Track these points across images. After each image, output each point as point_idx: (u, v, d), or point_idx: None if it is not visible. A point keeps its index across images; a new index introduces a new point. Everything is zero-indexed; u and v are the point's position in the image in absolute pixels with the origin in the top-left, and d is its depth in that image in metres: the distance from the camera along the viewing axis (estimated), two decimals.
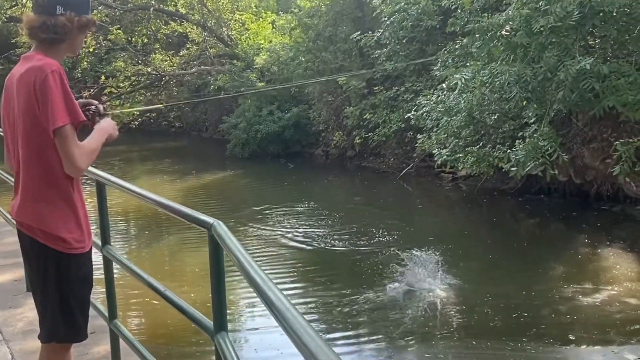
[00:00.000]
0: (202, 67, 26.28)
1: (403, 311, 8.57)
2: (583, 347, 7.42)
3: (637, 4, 8.60)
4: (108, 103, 22.57)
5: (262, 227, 13.01)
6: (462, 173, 16.05)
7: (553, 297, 8.64)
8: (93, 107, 3.31)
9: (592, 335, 7.62)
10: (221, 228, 2.50)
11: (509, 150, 10.36)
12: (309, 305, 8.86)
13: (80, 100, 3.23)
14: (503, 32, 10.29)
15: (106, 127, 3.20)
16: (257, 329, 7.98)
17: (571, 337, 7.63)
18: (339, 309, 8.62)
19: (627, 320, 7.89)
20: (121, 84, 25.97)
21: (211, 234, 2.55)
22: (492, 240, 12.11)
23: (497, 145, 13.02)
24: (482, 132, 14.11)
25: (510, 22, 10.13)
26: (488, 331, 7.87)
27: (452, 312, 8.49)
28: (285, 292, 1.78)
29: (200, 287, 8.84)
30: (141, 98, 26.90)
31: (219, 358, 2.48)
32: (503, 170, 12.63)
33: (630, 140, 10.71)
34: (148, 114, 27.24)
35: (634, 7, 8.72)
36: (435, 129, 14.17)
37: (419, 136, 15.60)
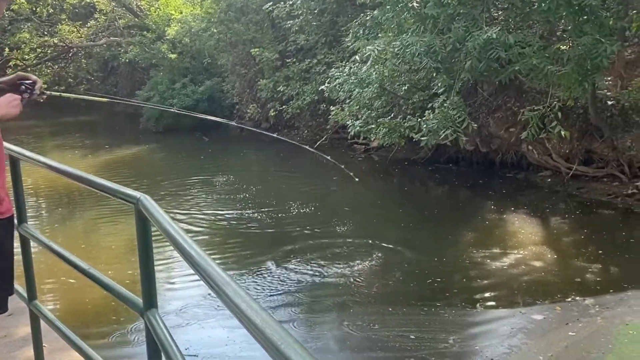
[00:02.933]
0: (112, 38, 25.59)
1: (321, 282, 8.76)
2: (492, 309, 7.83)
3: None
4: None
5: (180, 202, 12.96)
6: (374, 144, 16.40)
7: (464, 262, 9.08)
8: (28, 82, 3.13)
9: (501, 298, 8.06)
10: (148, 202, 2.42)
11: (420, 120, 10.69)
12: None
13: (19, 73, 3.14)
14: (414, 4, 10.54)
15: None
16: (187, 304, 7.98)
17: (481, 300, 8.04)
18: (258, 281, 8.74)
19: (533, 282, 8.40)
20: (26, 56, 25.01)
21: (138, 209, 2.46)
22: (405, 209, 12.51)
23: (408, 116, 13.38)
24: (393, 103, 14.47)
25: None
26: (403, 297, 8.20)
27: (369, 281, 8.78)
28: None
29: (125, 264, 8.74)
30: (48, 71, 26.01)
31: (149, 336, 2.41)
32: (414, 140, 13.02)
33: (536, 107, 11.24)
34: (56, 87, 26.36)
35: None
36: (348, 101, 14.39)
37: (332, 108, 15.81)
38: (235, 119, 22.36)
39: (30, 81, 3.15)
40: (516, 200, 12.17)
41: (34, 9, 25.96)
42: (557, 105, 10.75)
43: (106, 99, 5.27)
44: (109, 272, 8.45)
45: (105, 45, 26.04)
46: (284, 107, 19.00)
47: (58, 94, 4.34)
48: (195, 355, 6.71)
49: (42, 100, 3.38)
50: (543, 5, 9.19)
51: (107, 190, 2.90)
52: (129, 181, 14.90)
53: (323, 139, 18.16)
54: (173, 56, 22.75)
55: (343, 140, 18.16)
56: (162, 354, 2.21)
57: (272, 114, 19.79)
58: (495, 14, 11.02)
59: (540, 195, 12.62)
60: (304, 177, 15.72)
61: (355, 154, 17.32)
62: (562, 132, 10.07)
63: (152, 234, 2.46)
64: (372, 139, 13.51)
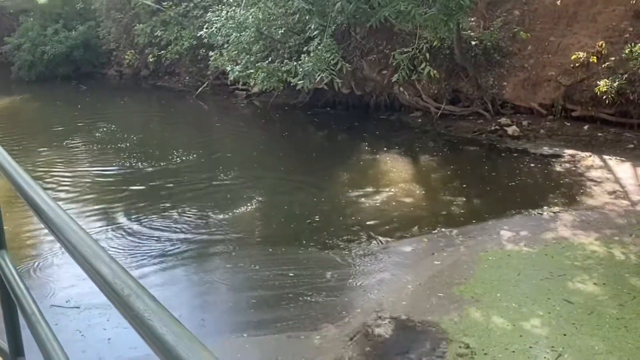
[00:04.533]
0: None
1: (204, 230, 9.01)
2: (366, 245, 8.35)
3: None
4: None
5: (59, 156, 12.73)
6: (255, 90, 16.54)
7: (340, 202, 9.62)
8: None
9: (374, 234, 8.61)
10: None
11: (296, 64, 10.94)
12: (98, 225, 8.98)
13: None
14: None
15: None
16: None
17: (356, 236, 8.56)
18: (140, 233, 8.87)
19: (403, 217, 9.05)
20: None
21: None
22: (285, 153, 12.90)
23: (285, 60, 13.61)
24: (271, 47, 14.64)
25: None
26: (283, 238, 8.65)
27: (251, 224, 9.16)
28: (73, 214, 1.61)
29: None
30: None
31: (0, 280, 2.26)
32: (292, 84, 13.30)
33: (406, 49, 11.72)
34: None
35: None
36: (226, 46, 14.40)
37: (211, 53, 15.78)
38: (113, 65, 21.83)
39: None
40: (389, 141, 12.79)
41: None
42: (425, 46, 11.27)
43: None
44: None
45: None
46: (162, 52, 18.71)
47: None
48: (77, 307, 6.83)
49: None
50: None
51: None
52: (1, 135, 14.43)
53: (205, 85, 18.11)
54: (43, 1, 21.74)
55: (225, 86, 18.20)
56: (13, 298, 2.13)
57: (151, 60, 19.47)
58: None
59: (411, 135, 13.30)
60: (186, 124, 15.76)
61: (237, 99, 17.44)
62: (432, 73, 10.62)
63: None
64: (252, 84, 13.66)
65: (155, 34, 18.89)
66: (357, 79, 14.60)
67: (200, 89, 18.04)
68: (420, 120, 14.07)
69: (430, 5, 10.09)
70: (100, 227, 8.95)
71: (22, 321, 2.11)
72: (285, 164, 12.02)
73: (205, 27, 14.65)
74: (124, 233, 8.81)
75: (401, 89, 14.27)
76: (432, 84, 13.68)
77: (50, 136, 14.27)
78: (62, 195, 10.18)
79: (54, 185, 10.72)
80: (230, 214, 9.39)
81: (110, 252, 1.37)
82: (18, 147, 13.23)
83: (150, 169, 11.65)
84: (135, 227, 9.00)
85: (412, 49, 10.71)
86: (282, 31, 13.76)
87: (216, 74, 17.89)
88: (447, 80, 13.79)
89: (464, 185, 10.27)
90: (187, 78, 19.27)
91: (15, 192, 1.82)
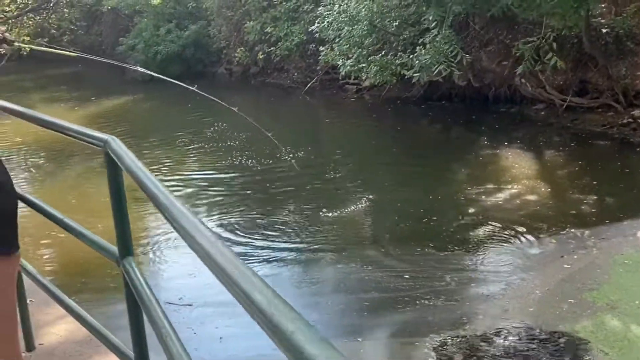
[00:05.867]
0: None
1: (315, 229, 8.59)
2: (488, 246, 7.74)
3: None
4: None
5: (171, 152, 12.76)
6: (366, 84, 16.10)
7: (458, 200, 8.98)
8: None
9: (497, 234, 7.96)
10: (116, 144, 2.32)
11: (412, 56, 10.40)
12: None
13: None
14: None
15: None
16: (165, 252, 7.86)
17: (477, 237, 7.94)
18: (254, 233, 8.61)
19: (528, 217, 8.29)
20: (7, 8, 24.39)
21: (106, 151, 2.35)
22: (399, 148, 12.36)
23: (399, 53, 13.11)
24: (384, 40, 14.16)
25: None
26: (398, 238, 8.10)
27: (363, 223, 8.69)
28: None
29: (108, 217, 8.50)
30: (30, 22, 25.39)
31: (126, 284, 2.38)
32: (406, 77, 12.79)
33: (530, 39, 10.90)
34: (39, 39, 25.79)
35: None
36: (337, 40, 14.06)
37: (321, 48, 15.46)
38: (223, 63, 21.99)
39: None
40: (510, 135, 12.01)
41: None
42: (552, 35, 10.40)
43: (74, 54, 5.04)
44: (99, 226, 8.28)
45: None
46: (272, 49, 18.58)
47: (27, 46, 4.14)
48: (190, 305, 6.65)
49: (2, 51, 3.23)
50: None
51: (74, 134, 2.76)
52: (118, 134, 14.62)
53: (314, 80, 17.88)
54: (157, 1, 22.21)
55: (334, 81, 17.88)
56: (139, 302, 2.20)
57: (261, 57, 19.41)
58: None
59: (534, 128, 12.45)
60: (296, 120, 15.52)
61: (347, 94, 17.05)
62: (558, 63, 9.76)
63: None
64: (364, 79, 13.21)
65: (266, 31, 18.78)
66: (475, 71, 13.86)
67: (309, 85, 17.81)
68: (543, 113, 13.17)
69: None
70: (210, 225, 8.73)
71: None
72: (399, 160, 11.48)
73: (317, 21, 14.36)
74: (233, 229, 8.57)
75: (523, 80, 13.43)
76: (557, 74, 12.74)
77: (163, 136, 14.33)
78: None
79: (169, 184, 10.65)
80: (341, 212, 8.94)
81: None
82: (135, 145, 13.40)
83: (259, 167, 11.37)
84: (243, 224, 8.74)
85: (537, 38, 9.87)
86: (397, 23, 13.22)
87: (326, 69, 17.59)
88: (574, 70, 12.81)
89: (595, 183, 9.40)
90: (296, 74, 19.08)
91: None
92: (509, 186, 9.34)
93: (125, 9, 22.79)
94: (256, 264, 7.53)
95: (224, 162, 11.91)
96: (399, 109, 15.05)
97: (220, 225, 8.74)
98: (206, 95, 5.68)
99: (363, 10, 12.77)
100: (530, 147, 10.97)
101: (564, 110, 12.77)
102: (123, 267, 2.43)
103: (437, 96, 14.85)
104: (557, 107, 12.98)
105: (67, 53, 5.34)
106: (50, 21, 25.75)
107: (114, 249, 2.55)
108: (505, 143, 11.40)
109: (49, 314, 4.04)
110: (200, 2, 21.54)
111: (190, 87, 5.58)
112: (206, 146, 13.08)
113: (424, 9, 11.53)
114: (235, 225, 8.71)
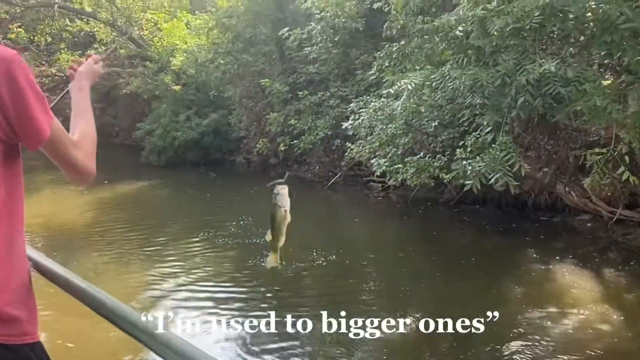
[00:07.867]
0: (112, 68, 24.70)
1: (336, 344, 7.54)
2: None
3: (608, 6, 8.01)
4: None
5: (189, 246, 11.92)
6: (391, 182, 15.36)
7: (520, 325, 7.97)
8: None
9: None
10: None
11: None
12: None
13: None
14: (457, 32, 9.60)
15: (86, 80, 2.62)
16: None
17: None
18: (288, 342, 7.66)
19: (606, 351, 7.27)
20: None
21: None
22: (436, 256, 11.45)
23: (438, 155, 12.45)
24: (419, 140, 13.54)
25: (463, 24, 9.47)
26: None
27: (404, 346, 7.68)
28: None
29: None
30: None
31: None
32: (444, 181, 12.09)
33: (601, 150, 10.05)
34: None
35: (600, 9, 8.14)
36: (368, 138, 13.41)
37: (348, 144, 14.80)
38: (242, 152, 21.45)
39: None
40: (559, 248, 11.14)
41: (32, 37, 25.20)
42: (623, 147, 9.58)
43: None
44: None
45: (105, 75, 25.09)
46: (294, 141, 17.98)
47: None
48: None
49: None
50: (605, 36, 8.26)
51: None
52: (131, 224, 13.84)
53: (337, 176, 17.25)
54: (177, 88, 21.87)
55: (358, 177, 17.30)
56: None
57: (282, 149, 18.80)
58: (547, 46, 10.07)
59: (583, 241, 11.60)
60: (319, 218, 14.66)
61: (372, 192, 16.34)
62: (631, 179, 8.91)
63: None
64: (400, 179, 12.46)
65: (289, 123, 18.26)
66: (514, 176, 13.14)
67: (332, 180, 17.15)
68: (589, 224, 12.35)
69: (626, 101, 8.67)
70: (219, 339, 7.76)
71: None
72: (440, 269, 10.56)
73: (350, 118, 13.76)
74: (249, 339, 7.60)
75: (567, 188, 12.71)
76: (603, 185, 11.99)
77: (179, 229, 13.53)
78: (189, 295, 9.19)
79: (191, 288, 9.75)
80: (376, 329, 7.90)
81: None
82: (150, 236, 12.61)
83: (286, 271, 10.37)
84: (279, 341, 7.78)
85: (608, 150, 9.13)
86: (435, 124, 12.61)
87: (350, 165, 16.98)
88: (623, 181, 12.08)
89: None
90: (318, 167, 18.44)
91: None
92: (574, 310, 8.35)
93: (145, 94, 22.43)
94: None
95: (247, 261, 10.87)
96: (430, 211, 14.29)
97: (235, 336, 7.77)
98: None
99: (398, 108, 12.15)
100: (587, 264, 10.05)
101: (614, 223, 11.95)
102: None
103: (471, 200, 14.06)
104: (604, 220, 12.18)
105: None
106: (66, 101, 25.34)
107: None
108: (557, 257, 10.50)
109: None
110: (221, 91, 21.16)
111: None
112: (230, 241, 12.17)
113: (479, 113, 10.87)
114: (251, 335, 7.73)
